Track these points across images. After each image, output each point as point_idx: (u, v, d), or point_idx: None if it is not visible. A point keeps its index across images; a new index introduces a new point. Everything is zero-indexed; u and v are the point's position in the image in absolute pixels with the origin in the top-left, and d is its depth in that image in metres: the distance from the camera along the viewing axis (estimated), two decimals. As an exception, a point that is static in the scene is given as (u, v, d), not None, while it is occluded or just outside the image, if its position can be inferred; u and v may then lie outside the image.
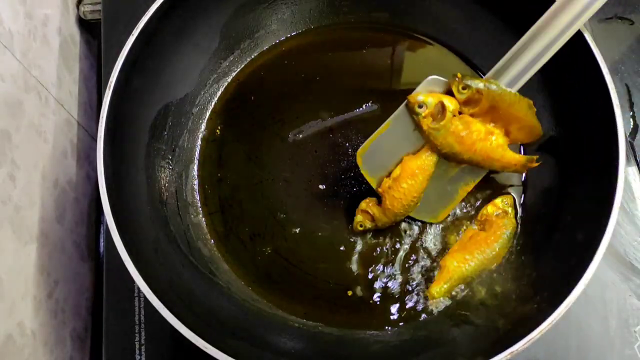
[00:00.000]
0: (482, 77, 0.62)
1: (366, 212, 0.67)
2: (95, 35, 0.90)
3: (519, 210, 0.68)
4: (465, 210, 0.69)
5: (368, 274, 0.68)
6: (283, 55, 0.79)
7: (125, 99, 0.63)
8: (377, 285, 0.67)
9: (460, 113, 0.61)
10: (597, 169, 0.59)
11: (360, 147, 0.66)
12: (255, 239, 0.70)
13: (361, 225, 0.67)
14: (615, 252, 0.71)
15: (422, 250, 0.68)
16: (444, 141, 0.61)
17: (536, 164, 0.64)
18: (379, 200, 0.67)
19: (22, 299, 0.62)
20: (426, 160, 0.63)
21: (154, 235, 0.63)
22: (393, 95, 0.76)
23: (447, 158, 0.64)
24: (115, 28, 0.81)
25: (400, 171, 0.65)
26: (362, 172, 0.67)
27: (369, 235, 0.69)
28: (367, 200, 0.68)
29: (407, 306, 0.66)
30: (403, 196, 0.64)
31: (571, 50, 0.62)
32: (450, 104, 0.60)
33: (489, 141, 0.62)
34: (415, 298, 0.66)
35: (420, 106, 0.60)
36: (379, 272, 0.68)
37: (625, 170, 0.56)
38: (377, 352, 0.61)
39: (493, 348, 0.52)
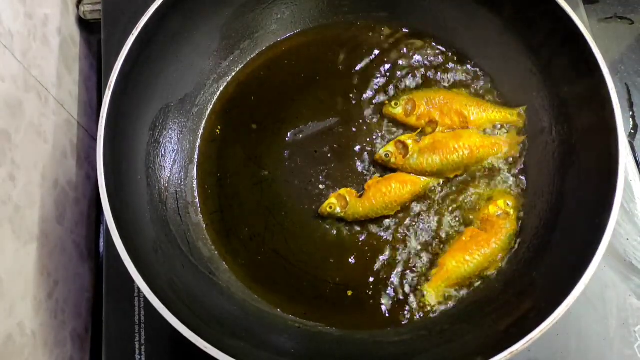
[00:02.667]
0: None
1: (343, 197, 0.69)
2: (95, 35, 0.90)
3: (519, 211, 0.68)
4: (466, 209, 0.69)
5: (368, 274, 0.68)
6: (283, 55, 0.79)
7: (125, 99, 0.63)
8: (377, 285, 0.67)
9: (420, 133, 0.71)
10: (597, 169, 0.59)
11: None
12: (255, 239, 0.70)
13: (330, 207, 0.68)
14: (615, 252, 0.71)
15: (422, 250, 0.68)
16: (424, 164, 0.69)
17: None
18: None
19: (22, 299, 0.62)
20: (417, 180, 0.70)
21: (154, 235, 0.63)
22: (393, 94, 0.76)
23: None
24: (115, 28, 0.81)
25: (392, 176, 0.70)
26: None
27: (369, 236, 0.69)
28: (349, 189, 0.70)
29: (407, 306, 0.66)
30: (388, 193, 0.68)
31: (571, 50, 0.62)
32: (404, 137, 0.70)
33: (460, 142, 0.69)
34: (415, 298, 0.66)
35: (386, 156, 0.69)
36: (378, 272, 0.68)
37: (625, 170, 0.56)
38: (377, 352, 0.61)
39: (493, 348, 0.52)
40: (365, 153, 0.73)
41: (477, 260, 0.65)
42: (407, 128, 0.73)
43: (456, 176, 0.70)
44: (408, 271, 0.67)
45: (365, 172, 0.72)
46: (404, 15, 0.77)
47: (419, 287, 0.67)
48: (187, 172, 0.73)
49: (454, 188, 0.70)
